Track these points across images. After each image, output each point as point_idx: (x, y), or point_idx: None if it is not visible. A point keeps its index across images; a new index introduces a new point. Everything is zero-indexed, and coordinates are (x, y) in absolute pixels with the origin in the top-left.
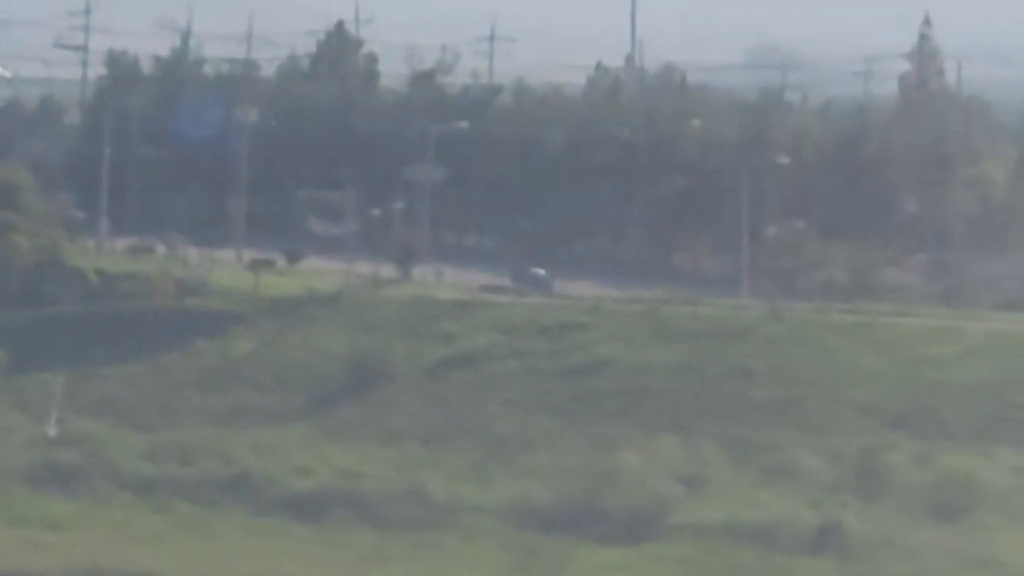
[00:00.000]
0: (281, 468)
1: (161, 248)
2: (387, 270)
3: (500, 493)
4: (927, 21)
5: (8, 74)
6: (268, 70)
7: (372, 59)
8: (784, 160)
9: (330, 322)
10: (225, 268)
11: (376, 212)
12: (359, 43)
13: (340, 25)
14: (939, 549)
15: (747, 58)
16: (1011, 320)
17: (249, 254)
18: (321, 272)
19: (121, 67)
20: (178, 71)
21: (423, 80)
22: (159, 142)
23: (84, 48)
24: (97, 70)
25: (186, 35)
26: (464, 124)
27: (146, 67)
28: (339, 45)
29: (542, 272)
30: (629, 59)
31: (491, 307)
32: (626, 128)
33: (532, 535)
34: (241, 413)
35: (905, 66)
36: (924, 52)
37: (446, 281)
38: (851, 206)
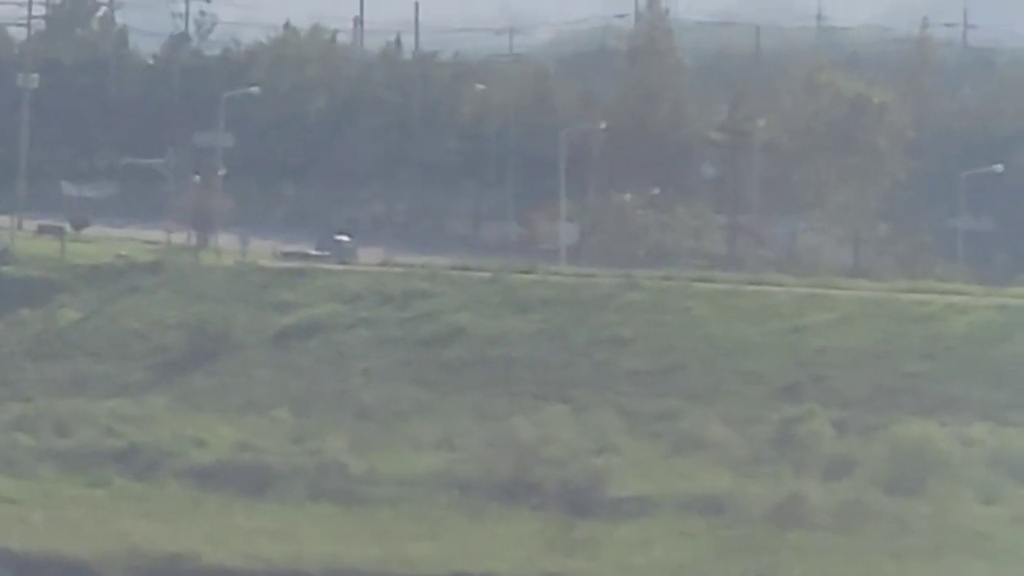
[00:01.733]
0: (169, 439)
1: None
2: (175, 237)
3: (416, 465)
4: None
5: None
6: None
7: (109, 22)
8: (602, 125)
9: (156, 290)
10: (6, 234)
11: (196, 179)
12: (96, 5)
13: None
14: (922, 520)
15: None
16: (873, 288)
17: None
18: (109, 238)
19: None
20: None
21: (179, 44)
22: None
23: None
24: None
25: None
26: (255, 89)
27: None
28: (74, 7)
29: (346, 239)
30: (356, 21)
31: (325, 275)
32: (398, 92)
33: (510, 510)
34: (84, 383)
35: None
36: (654, 12)
37: (248, 248)
38: (646, 170)
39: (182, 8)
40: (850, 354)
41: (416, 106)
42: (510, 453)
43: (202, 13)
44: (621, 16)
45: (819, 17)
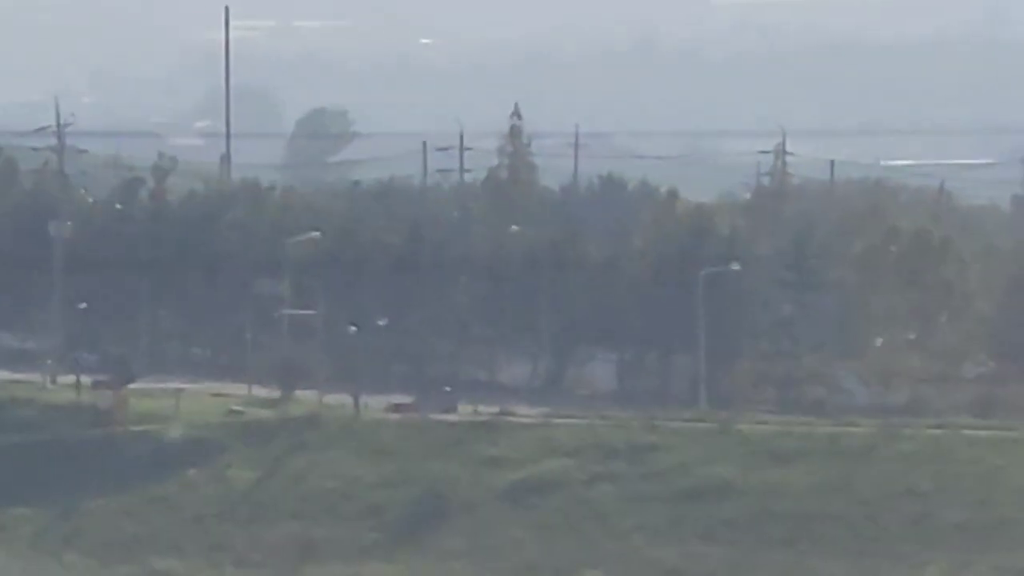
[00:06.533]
0: None
1: None
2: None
3: None
4: (517, 112)
5: None
6: None
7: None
8: (736, 266)
9: (327, 447)
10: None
11: (352, 329)
12: None
13: None
14: None
15: None
16: None
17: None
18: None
19: None
20: None
21: (134, 188)
22: None
23: None
24: None
25: None
26: (316, 234)
27: None
28: None
29: (448, 390)
30: (223, 158)
31: (517, 429)
32: (395, 234)
33: None
34: (313, 548)
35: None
36: (516, 143)
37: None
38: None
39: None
40: None
41: (425, 244)
42: None
43: (161, 155)
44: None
45: None
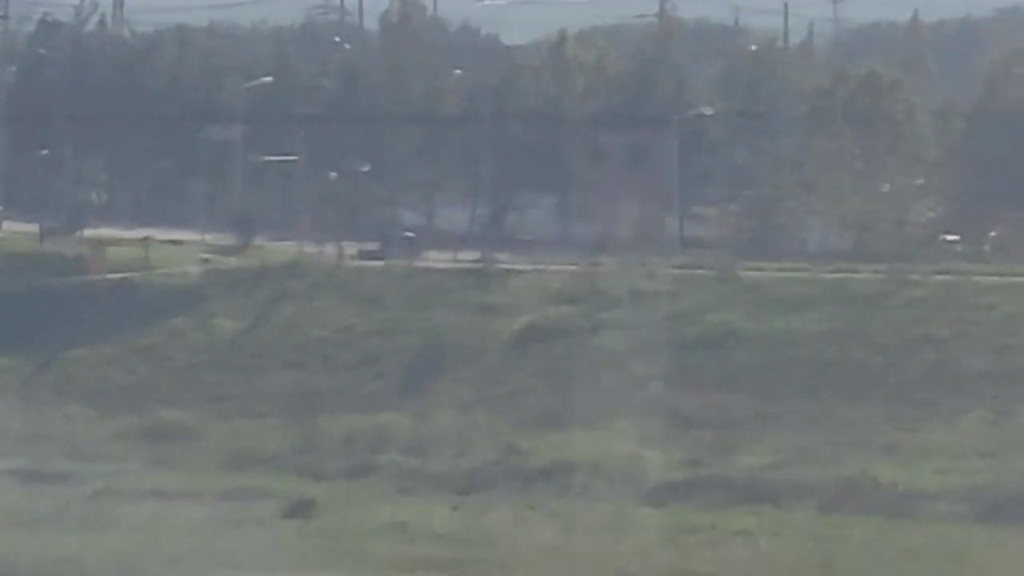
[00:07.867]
0: (589, 456)
1: None
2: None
3: (932, 478)
4: None
5: None
6: None
7: None
8: (709, 111)
9: (314, 296)
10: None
11: (333, 176)
12: None
13: None
14: None
15: None
16: None
17: None
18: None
19: None
20: None
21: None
22: None
23: None
24: None
25: None
26: (269, 79)
27: None
28: None
29: (412, 235)
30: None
31: (508, 275)
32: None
33: None
34: (316, 397)
35: None
36: None
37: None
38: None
39: None
40: None
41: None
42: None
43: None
44: None
45: None
